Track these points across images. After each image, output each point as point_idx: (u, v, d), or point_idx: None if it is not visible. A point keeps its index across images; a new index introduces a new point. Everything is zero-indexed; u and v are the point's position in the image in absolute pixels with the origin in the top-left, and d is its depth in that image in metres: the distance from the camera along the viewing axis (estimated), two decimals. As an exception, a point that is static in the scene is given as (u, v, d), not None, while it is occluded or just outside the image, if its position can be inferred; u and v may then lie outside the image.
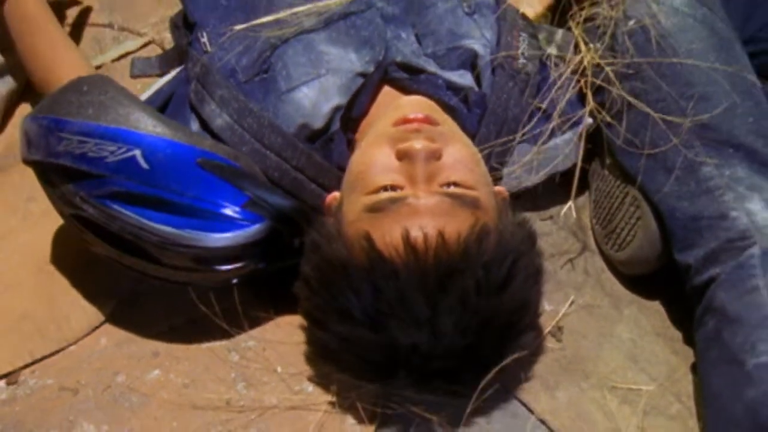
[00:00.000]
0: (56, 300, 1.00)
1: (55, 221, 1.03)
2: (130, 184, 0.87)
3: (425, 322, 0.80)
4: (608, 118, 1.00)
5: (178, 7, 1.15)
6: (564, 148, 1.05)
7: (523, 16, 1.09)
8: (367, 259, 0.81)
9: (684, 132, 0.95)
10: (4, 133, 1.21)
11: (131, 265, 0.94)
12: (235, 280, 0.97)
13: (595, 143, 1.08)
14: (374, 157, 0.89)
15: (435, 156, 0.87)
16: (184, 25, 1.10)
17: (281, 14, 0.99)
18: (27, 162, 0.94)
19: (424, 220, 0.82)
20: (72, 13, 1.34)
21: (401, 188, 0.86)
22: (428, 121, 0.91)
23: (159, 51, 1.30)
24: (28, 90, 1.21)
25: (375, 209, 0.84)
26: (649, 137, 0.98)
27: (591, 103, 1.01)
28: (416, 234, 0.80)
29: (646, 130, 0.98)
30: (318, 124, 0.97)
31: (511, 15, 1.07)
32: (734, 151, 0.93)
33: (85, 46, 1.31)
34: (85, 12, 1.35)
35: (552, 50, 1.06)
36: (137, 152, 0.86)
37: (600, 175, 1.10)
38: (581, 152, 1.04)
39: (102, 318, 1.00)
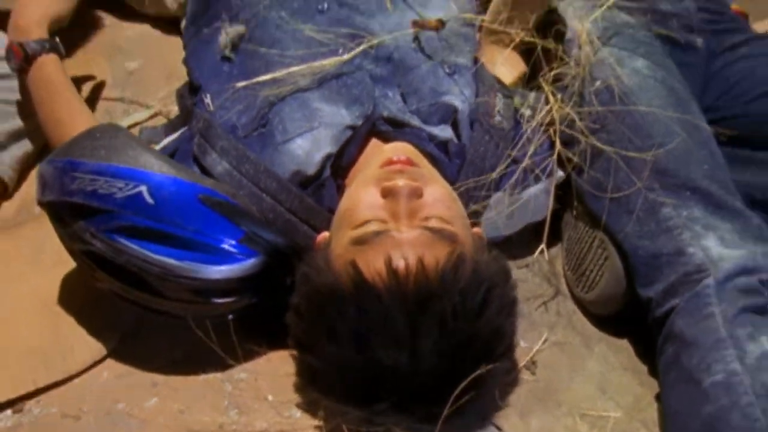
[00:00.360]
0: (62, 334, 1.07)
1: (65, 267, 1.12)
2: (136, 219, 0.96)
3: (406, 342, 0.87)
4: (576, 159, 1.10)
5: (184, 80, 1.27)
6: (538, 198, 1.14)
7: (498, 81, 1.21)
8: (353, 284, 0.89)
9: (645, 177, 1.05)
10: (19, 192, 1.31)
11: (135, 298, 1.02)
12: (231, 315, 1.04)
13: (567, 194, 1.17)
14: (361, 196, 0.98)
15: (416, 194, 0.97)
16: (190, 90, 1.22)
17: (278, 74, 1.11)
18: (41, 204, 1.04)
19: (406, 250, 0.91)
20: (86, 87, 1.47)
21: (385, 223, 0.95)
22: (410, 163, 1.01)
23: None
24: (44, 152, 1.32)
25: (361, 241, 0.93)
26: (613, 183, 1.08)
27: (558, 147, 1.11)
28: (398, 261, 0.89)
29: (610, 176, 1.08)
30: (311, 171, 1.07)
31: (488, 78, 1.19)
32: (691, 193, 1.03)
33: (97, 117, 1.43)
34: (99, 87, 1.48)
35: (525, 110, 1.17)
36: (143, 188, 0.96)
37: (571, 225, 1.20)
38: (551, 201, 1.13)
39: (105, 352, 1.07)
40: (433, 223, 0.94)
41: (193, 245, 0.97)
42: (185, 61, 1.25)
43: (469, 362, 0.89)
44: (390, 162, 1.01)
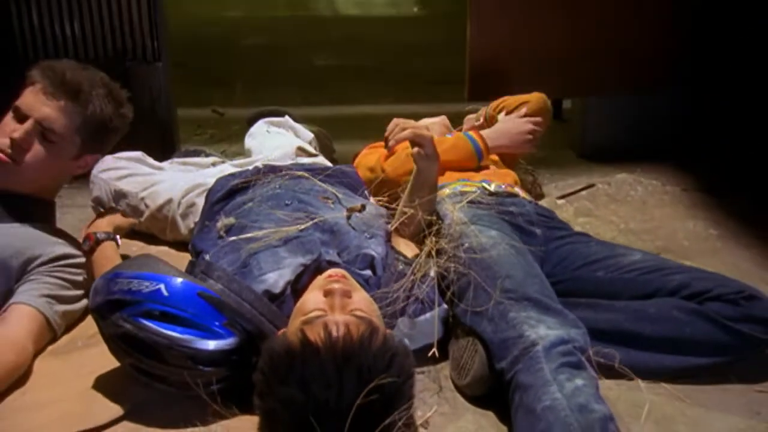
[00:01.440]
0: (87, 401, 1.48)
1: (100, 370, 1.56)
2: (155, 306, 1.43)
3: (334, 384, 1.27)
4: (450, 294, 1.61)
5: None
6: (429, 323, 1.63)
7: (400, 253, 1.76)
8: (300, 343, 1.33)
9: (497, 296, 1.55)
10: (68, 334, 1.77)
11: (147, 367, 1.45)
12: (215, 386, 1.45)
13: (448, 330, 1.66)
14: (309, 297, 1.48)
15: (347, 295, 1.46)
16: (193, 256, 1.76)
17: (259, 233, 1.65)
18: (92, 310, 1.51)
19: (338, 323, 1.37)
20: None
21: (325, 312, 1.42)
22: (344, 277, 1.52)
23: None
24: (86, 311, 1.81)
25: (308, 321, 1.40)
26: (475, 302, 1.58)
27: (435, 283, 1.62)
28: (332, 327, 1.35)
29: (475, 300, 1.58)
30: (277, 290, 1.57)
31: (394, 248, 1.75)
32: (527, 302, 1.53)
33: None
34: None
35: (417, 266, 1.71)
36: (162, 286, 1.45)
37: (453, 341, 1.66)
38: (437, 326, 1.61)
39: (121, 412, 1.46)
40: (358, 313, 1.42)
41: (192, 324, 1.44)
42: (192, 244, 1.80)
43: (378, 405, 1.28)
44: (330, 276, 1.52)
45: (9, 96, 1.80)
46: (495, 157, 2.27)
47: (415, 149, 1.80)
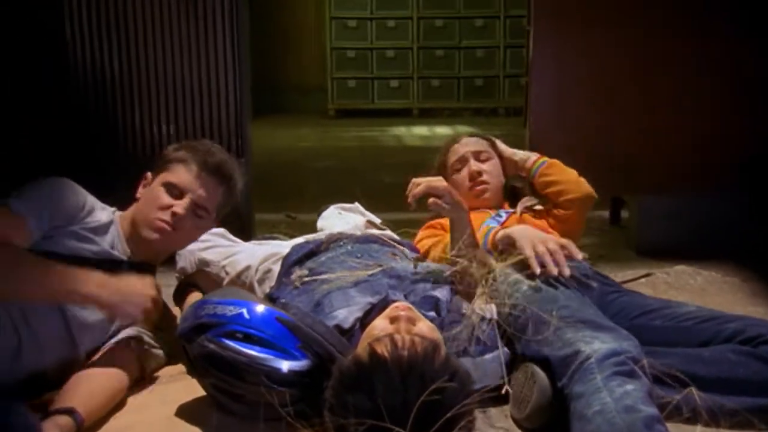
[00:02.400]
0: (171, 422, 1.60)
1: (183, 399, 1.69)
2: (237, 327, 1.58)
3: (400, 391, 1.38)
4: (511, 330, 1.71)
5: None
6: (492, 363, 1.71)
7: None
8: (368, 355, 1.45)
9: (555, 323, 1.64)
10: (155, 373, 1.91)
11: (226, 386, 1.57)
12: (289, 408, 1.55)
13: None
14: (376, 323, 1.61)
15: (412, 322, 1.57)
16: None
17: (333, 275, 1.80)
18: (180, 335, 1.65)
19: (404, 336, 1.49)
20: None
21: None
22: (409, 308, 1.64)
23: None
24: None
25: (375, 340, 1.52)
26: (535, 334, 1.67)
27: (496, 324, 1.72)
28: (398, 340, 1.46)
29: (535, 332, 1.67)
30: (346, 326, 1.69)
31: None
32: (582, 324, 1.62)
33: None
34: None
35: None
36: (244, 310, 1.59)
37: (513, 380, 1.72)
38: (503, 367, 1.70)
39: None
40: (422, 335, 1.53)
41: (270, 345, 1.57)
42: (268, 295, 1.96)
43: (440, 409, 1.37)
44: (396, 306, 1.64)
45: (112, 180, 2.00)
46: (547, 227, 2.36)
47: (431, 199, 1.94)
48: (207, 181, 1.96)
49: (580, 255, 1.87)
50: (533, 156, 2.51)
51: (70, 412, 1.55)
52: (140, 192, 1.99)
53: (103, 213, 1.91)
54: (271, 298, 1.91)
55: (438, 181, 2.03)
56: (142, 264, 1.93)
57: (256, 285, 2.30)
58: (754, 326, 1.73)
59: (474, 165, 2.45)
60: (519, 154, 2.53)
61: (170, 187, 1.93)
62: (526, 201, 2.48)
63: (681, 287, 2.73)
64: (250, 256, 2.34)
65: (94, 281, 1.67)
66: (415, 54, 7.54)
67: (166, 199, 1.92)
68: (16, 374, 1.67)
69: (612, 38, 3.09)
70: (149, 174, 2.01)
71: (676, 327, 1.79)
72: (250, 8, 3.36)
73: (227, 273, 2.33)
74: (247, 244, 2.52)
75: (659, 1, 3.09)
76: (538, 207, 2.48)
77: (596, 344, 1.54)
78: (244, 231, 3.06)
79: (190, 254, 2.39)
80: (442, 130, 7.04)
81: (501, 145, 2.57)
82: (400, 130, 7.05)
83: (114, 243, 1.89)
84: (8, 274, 1.60)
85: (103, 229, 1.88)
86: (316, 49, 7.79)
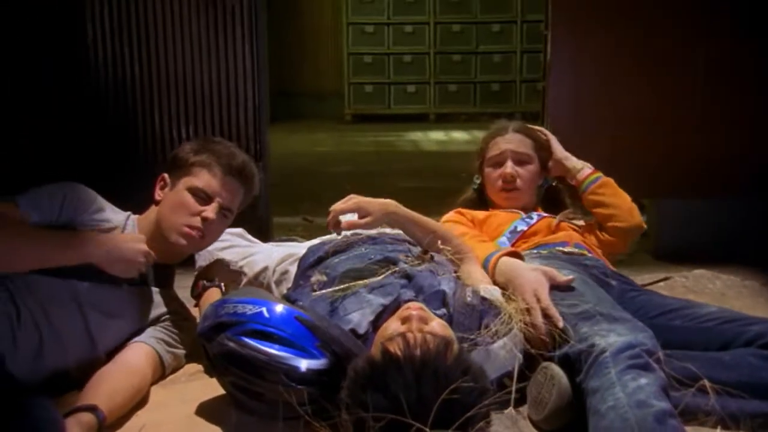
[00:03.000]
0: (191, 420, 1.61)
1: (202, 398, 1.71)
2: (256, 326, 1.59)
3: (413, 387, 1.38)
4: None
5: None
6: (502, 350, 1.70)
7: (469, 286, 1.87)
8: (381, 354, 1.46)
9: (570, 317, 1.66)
10: (175, 373, 1.93)
11: (245, 383, 1.58)
12: (306, 406, 1.56)
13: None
14: (389, 324, 1.62)
15: (424, 321, 1.58)
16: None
17: (348, 285, 1.81)
18: (200, 335, 1.67)
19: (416, 333, 1.50)
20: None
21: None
22: (421, 308, 1.64)
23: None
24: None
25: (387, 339, 1.52)
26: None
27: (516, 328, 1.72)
28: (410, 336, 1.47)
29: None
30: (361, 330, 1.70)
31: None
32: (599, 316, 1.64)
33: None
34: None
35: (487, 295, 1.80)
36: (264, 309, 1.61)
37: (531, 383, 1.71)
38: (517, 352, 1.70)
39: None
40: (434, 332, 1.54)
41: (289, 343, 1.58)
42: (286, 296, 1.96)
43: (457, 407, 1.37)
44: (408, 307, 1.65)
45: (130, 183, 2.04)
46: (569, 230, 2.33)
47: (344, 223, 1.96)
48: (232, 184, 1.98)
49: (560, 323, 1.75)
50: (587, 169, 2.38)
51: (92, 409, 1.57)
52: (159, 194, 1.99)
53: (115, 215, 1.93)
54: (288, 299, 1.92)
55: (344, 202, 2.00)
56: (161, 266, 1.95)
57: (273, 286, 2.31)
58: None
59: (510, 168, 2.34)
60: (572, 161, 2.40)
61: (197, 192, 1.94)
62: (568, 213, 2.38)
63: (700, 291, 2.71)
64: (268, 257, 2.35)
65: (89, 240, 1.75)
66: (431, 59, 7.56)
67: (195, 205, 1.93)
68: (39, 373, 1.70)
69: (630, 42, 3.08)
70: (166, 175, 2.01)
71: (697, 328, 1.79)
72: (268, 14, 3.39)
73: (245, 274, 2.35)
74: (265, 245, 2.54)
75: (678, 6, 3.07)
76: (579, 222, 2.38)
77: (612, 337, 1.55)
78: (262, 233, 3.07)
79: (208, 254, 2.40)
80: (459, 135, 7.05)
81: (555, 145, 2.44)
82: (417, 135, 7.06)
83: None
84: (4, 238, 1.66)
85: (118, 231, 1.90)
86: (333, 54, 7.82)
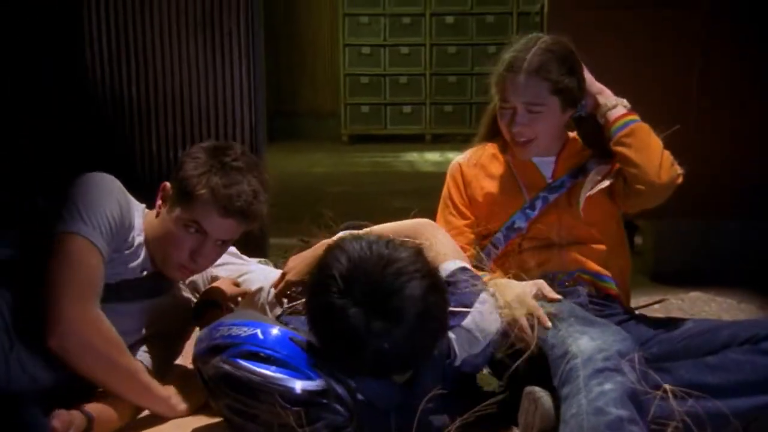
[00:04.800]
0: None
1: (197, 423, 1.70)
2: (251, 347, 1.58)
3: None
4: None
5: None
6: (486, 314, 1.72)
7: None
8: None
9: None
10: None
11: (241, 406, 1.57)
12: (303, 429, 1.55)
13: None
14: None
15: None
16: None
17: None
18: (194, 359, 1.66)
19: None
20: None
21: None
22: None
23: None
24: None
25: None
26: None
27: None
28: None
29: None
30: None
31: None
32: (574, 319, 1.68)
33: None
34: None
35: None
36: (258, 330, 1.60)
37: (520, 411, 1.71)
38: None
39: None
40: None
41: (284, 364, 1.57)
42: (279, 318, 1.95)
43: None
44: None
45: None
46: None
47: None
48: (231, 224, 1.90)
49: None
50: (618, 110, 1.96)
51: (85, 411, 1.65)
52: (159, 206, 1.94)
53: (135, 234, 1.90)
54: (282, 322, 1.91)
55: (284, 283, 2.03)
56: (160, 276, 1.95)
57: (267, 308, 2.31)
58: (745, 328, 1.75)
59: (520, 118, 1.94)
60: (605, 96, 1.99)
61: (193, 224, 1.86)
62: (590, 181, 1.97)
63: (695, 314, 2.71)
64: (264, 277, 2.34)
65: (164, 398, 1.83)
66: (427, 80, 7.58)
67: (189, 240, 1.87)
68: (54, 380, 1.69)
69: (628, 65, 3.07)
70: (168, 186, 1.95)
71: (673, 349, 1.81)
72: (265, 35, 3.41)
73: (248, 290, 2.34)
74: (256, 262, 2.54)
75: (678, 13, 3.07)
76: (604, 184, 1.98)
77: (584, 341, 1.57)
78: (258, 254, 3.08)
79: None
80: (455, 156, 7.04)
81: (588, 76, 2.01)
82: (413, 156, 7.07)
83: (144, 266, 1.91)
84: (110, 370, 1.73)
85: (135, 253, 1.89)
86: (330, 75, 7.85)
